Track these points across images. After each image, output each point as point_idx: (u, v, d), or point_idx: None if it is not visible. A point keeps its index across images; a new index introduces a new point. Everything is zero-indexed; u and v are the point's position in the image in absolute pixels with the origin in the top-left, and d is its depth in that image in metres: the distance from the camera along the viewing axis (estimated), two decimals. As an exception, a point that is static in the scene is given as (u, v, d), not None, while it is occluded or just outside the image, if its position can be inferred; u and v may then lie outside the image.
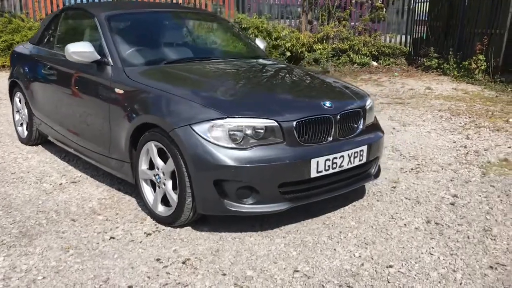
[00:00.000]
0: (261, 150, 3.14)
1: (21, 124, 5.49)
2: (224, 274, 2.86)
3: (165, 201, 3.44)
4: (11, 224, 3.50)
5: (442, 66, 10.85)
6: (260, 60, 4.64)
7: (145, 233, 3.37)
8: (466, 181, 4.45)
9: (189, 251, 3.12)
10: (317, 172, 3.28)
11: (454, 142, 5.74)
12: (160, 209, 3.46)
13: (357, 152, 3.50)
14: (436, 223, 3.57)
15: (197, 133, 3.11)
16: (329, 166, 3.33)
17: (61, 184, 4.28)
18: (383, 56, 12.27)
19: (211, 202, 3.16)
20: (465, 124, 6.59)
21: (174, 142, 3.20)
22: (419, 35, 12.29)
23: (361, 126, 3.65)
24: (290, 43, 12.08)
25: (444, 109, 7.45)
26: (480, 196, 4.10)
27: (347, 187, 3.59)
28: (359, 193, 4.07)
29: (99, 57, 3.94)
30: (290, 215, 3.54)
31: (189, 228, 3.42)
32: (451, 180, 4.47)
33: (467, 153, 5.32)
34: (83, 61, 3.94)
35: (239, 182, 3.12)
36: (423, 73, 10.99)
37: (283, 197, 3.24)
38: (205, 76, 3.85)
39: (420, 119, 6.87)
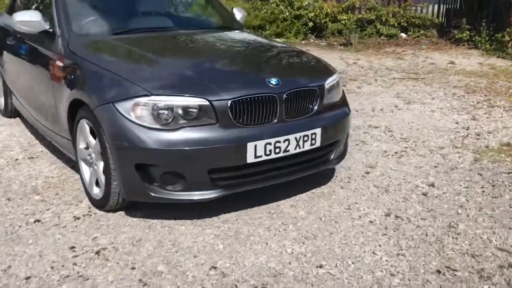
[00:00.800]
0: (189, 132, 2.83)
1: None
2: (133, 268, 2.62)
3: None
4: None
5: (473, 39, 10.07)
6: (225, 32, 4.27)
7: (74, 217, 3.17)
8: (451, 168, 4.00)
9: (109, 240, 2.89)
10: (255, 157, 2.95)
11: (457, 123, 5.24)
12: (95, 191, 3.24)
13: (307, 135, 3.14)
14: (396, 217, 3.19)
15: (119, 111, 2.84)
16: (270, 150, 2.99)
17: (17, 159, 4.13)
18: (413, 28, 11.53)
19: (134, 187, 2.91)
20: (477, 103, 6.02)
21: (98, 120, 2.94)
22: (452, 6, 11.43)
23: (316, 107, 3.25)
24: (313, 13, 11.55)
25: (460, 86, 6.86)
26: (460, 186, 3.66)
27: (296, 174, 3.25)
28: (324, 179, 3.70)
29: (47, 27, 3.70)
30: (237, 201, 3.24)
31: (122, 213, 3.19)
32: (435, 167, 4.02)
33: (467, 135, 4.82)
34: (30, 31, 3.71)
35: (163, 167, 2.84)
36: (453, 46, 10.26)
37: (215, 184, 2.94)
38: (148, 50, 3.54)
39: (430, 96, 6.34)
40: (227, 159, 2.90)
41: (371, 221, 3.13)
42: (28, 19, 3.68)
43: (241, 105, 2.93)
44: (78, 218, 3.15)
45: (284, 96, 3.06)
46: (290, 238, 2.91)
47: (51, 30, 3.72)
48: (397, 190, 3.59)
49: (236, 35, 4.24)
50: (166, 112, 2.82)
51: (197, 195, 2.92)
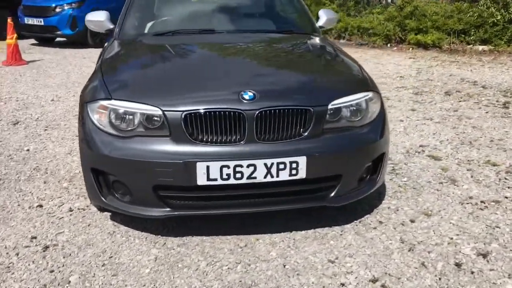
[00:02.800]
0: (139, 143, 2.65)
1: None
2: (52, 271, 2.59)
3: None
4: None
5: None
6: (274, 35, 3.85)
7: (70, 209, 3.29)
8: None
9: (67, 238, 2.92)
10: (208, 179, 2.59)
11: None
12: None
13: (283, 163, 2.62)
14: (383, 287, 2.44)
15: (88, 112, 2.81)
16: (228, 175, 2.59)
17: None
18: None
19: (91, 191, 2.86)
20: None
21: None
22: None
23: (307, 131, 2.69)
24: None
25: None
26: None
27: (269, 206, 2.75)
28: (351, 214, 3.07)
29: (111, 26, 3.91)
30: (218, 223, 2.97)
31: (107, 214, 3.17)
32: None
33: None
34: (97, 30, 3.96)
35: (112, 175, 2.72)
36: None
37: (165, 202, 2.69)
38: (158, 52, 3.42)
39: None
40: (174, 178, 2.61)
41: (343, 285, 2.46)
42: (96, 19, 3.92)
43: (198, 119, 2.59)
44: (72, 211, 3.23)
45: (257, 113, 2.60)
46: (225, 281, 2.48)
47: (112, 29, 3.89)
48: (425, 249, 2.74)
49: (290, 39, 3.78)
50: (123, 118, 2.68)
51: (143, 210, 2.72)
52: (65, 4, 10.60)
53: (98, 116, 2.73)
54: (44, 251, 2.76)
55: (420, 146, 4.48)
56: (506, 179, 3.72)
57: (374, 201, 3.36)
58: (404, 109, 5.75)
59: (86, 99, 2.86)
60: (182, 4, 4.22)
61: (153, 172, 2.59)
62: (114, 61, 3.26)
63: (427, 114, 5.50)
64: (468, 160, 4.13)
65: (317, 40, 3.84)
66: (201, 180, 2.58)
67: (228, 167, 2.56)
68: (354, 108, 2.86)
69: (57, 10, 10.59)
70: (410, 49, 10.36)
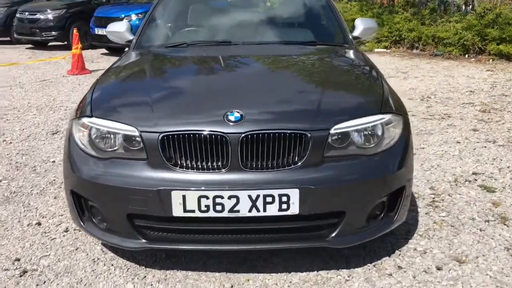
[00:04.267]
0: (115, 166, 2.40)
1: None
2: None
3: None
4: None
5: None
6: (294, 47, 3.47)
7: (66, 229, 3.11)
8: None
9: (49, 262, 2.73)
10: (185, 211, 2.29)
11: None
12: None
13: (271, 196, 2.26)
14: None
15: (72, 130, 2.62)
16: (207, 206, 2.28)
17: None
18: None
19: (72, 215, 2.65)
20: None
21: None
22: None
23: (303, 159, 2.31)
24: None
25: None
26: None
27: (257, 244, 2.39)
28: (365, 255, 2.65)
29: (130, 37, 3.75)
30: (209, 259, 2.65)
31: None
32: None
33: None
34: (117, 41, 3.82)
35: (89, 200, 2.50)
36: None
37: (141, 233, 2.42)
38: (160, 66, 3.18)
39: None
40: (148, 207, 2.33)
41: None
42: (115, 30, 3.78)
43: (176, 142, 2.30)
44: (67, 231, 3.07)
45: (242, 137, 2.26)
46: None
47: (131, 41, 3.73)
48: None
49: (310, 52, 3.39)
50: (103, 138, 2.45)
51: (119, 240, 2.46)
52: (132, 15, 10.80)
53: (81, 135, 2.52)
54: (20, 276, 2.59)
55: (473, 173, 3.89)
56: None
57: (400, 240, 2.89)
58: (464, 128, 5.11)
59: (73, 115, 2.66)
60: (205, 14, 3.96)
61: (126, 199, 2.33)
62: (110, 75, 3.05)
63: (491, 136, 4.84)
64: (529, 194, 3.50)
65: (343, 52, 3.42)
66: (177, 211, 2.27)
67: (207, 197, 2.24)
68: (367, 133, 2.43)
69: (125, 20, 10.82)
70: (490, 60, 9.47)
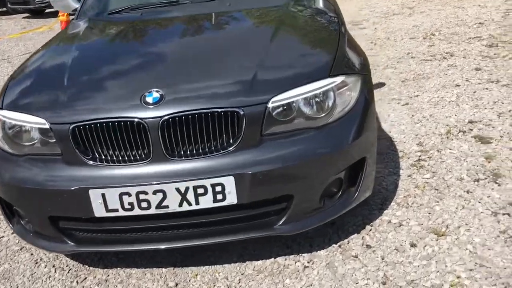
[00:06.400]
0: (30, 164, 2.14)
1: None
2: None
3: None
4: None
5: None
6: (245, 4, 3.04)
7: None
8: None
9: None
10: (108, 210, 2.03)
11: None
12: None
13: (203, 186, 1.97)
14: None
15: None
16: (131, 204, 2.00)
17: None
18: None
19: (6, 217, 2.42)
20: None
21: None
22: None
23: (237, 141, 1.99)
24: None
25: None
26: None
27: (197, 240, 2.12)
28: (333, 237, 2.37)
29: (76, 6, 3.41)
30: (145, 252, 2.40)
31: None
32: None
33: None
34: (64, 10, 3.49)
35: (10, 202, 2.26)
36: None
37: (64, 236, 2.17)
38: (94, 40, 2.84)
39: None
40: (67, 208, 2.07)
41: None
42: (61, -2, 3.44)
43: (89, 133, 2.00)
44: (18, 227, 2.86)
45: (162, 122, 1.95)
46: None
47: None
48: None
49: (258, 12, 2.96)
50: (17, 132, 2.18)
51: (47, 244, 2.23)
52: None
53: None
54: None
55: (469, 122, 3.50)
56: None
57: (373, 212, 2.59)
58: (466, 68, 4.64)
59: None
60: None
61: (44, 201, 2.07)
62: (33, 57, 2.73)
63: (495, 75, 4.37)
64: (529, 142, 3.10)
65: (300, 4, 2.99)
66: (99, 212, 2.01)
67: (129, 194, 1.97)
68: (315, 101, 2.08)
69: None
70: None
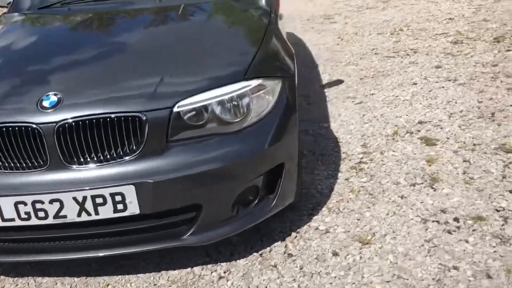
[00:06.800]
0: None
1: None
2: None
3: None
4: None
5: None
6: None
7: None
8: None
9: None
10: (3, 219, 1.93)
11: None
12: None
13: (102, 196, 1.87)
14: None
15: None
16: (28, 213, 1.91)
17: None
18: None
19: None
20: None
21: None
22: None
23: (140, 147, 1.90)
24: None
25: None
26: None
27: (96, 251, 2.02)
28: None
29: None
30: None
31: None
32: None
33: None
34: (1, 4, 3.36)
35: None
36: None
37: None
38: (15, 37, 2.70)
39: None
40: (-37, 217, 1.97)
41: None
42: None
43: (-17, 139, 1.90)
44: None
45: (58, 127, 1.85)
46: None
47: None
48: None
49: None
50: None
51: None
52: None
53: None
54: None
55: (419, 122, 3.42)
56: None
57: (303, 218, 2.51)
58: (427, 66, 4.55)
59: None
60: None
61: None
62: None
63: (454, 73, 4.28)
64: (474, 145, 3.03)
65: (227, 5, 2.88)
66: (-4, 220, 1.90)
67: (24, 203, 1.87)
68: (228, 106, 1.99)
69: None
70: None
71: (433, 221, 2.36)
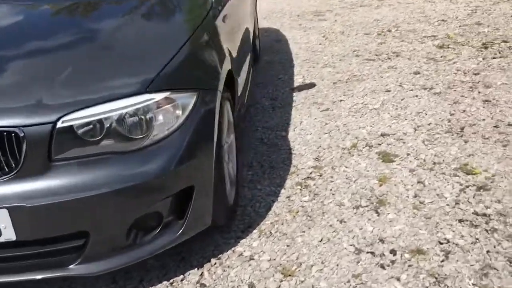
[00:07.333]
0: None
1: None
2: None
3: None
4: None
5: None
6: None
7: None
8: None
9: None
10: None
11: None
12: None
13: (-28, 219, 1.66)
14: None
15: None
16: None
17: None
18: None
19: None
20: None
21: None
22: None
23: (18, 167, 1.68)
24: None
25: None
26: None
27: None
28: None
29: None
30: None
31: None
32: None
33: None
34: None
35: None
36: None
37: None
38: None
39: None
40: None
41: None
42: None
43: None
44: None
45: None
46: None
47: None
48: None
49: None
50: None
51: None
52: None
53: None
54: None
55: (382, 135, 3.17)
56: (468, 201, 2.39)
57: (229, 241, 2.29)
58: (406, 71, 4.29)
59: None
60: None
61: None
62: None
63: (431, 80, 4.02)
64: (434, 163, 2.79)
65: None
66: None
67: None
68: (128, 121, 1.76)
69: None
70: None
71: (367, 252, 2.12)
